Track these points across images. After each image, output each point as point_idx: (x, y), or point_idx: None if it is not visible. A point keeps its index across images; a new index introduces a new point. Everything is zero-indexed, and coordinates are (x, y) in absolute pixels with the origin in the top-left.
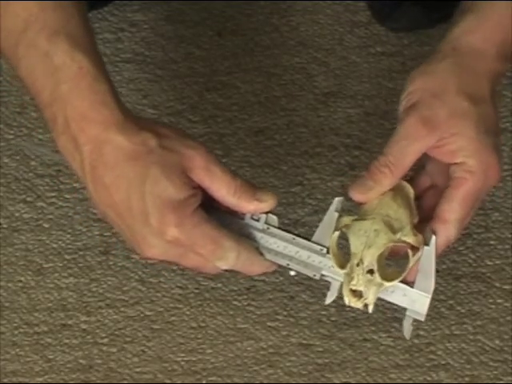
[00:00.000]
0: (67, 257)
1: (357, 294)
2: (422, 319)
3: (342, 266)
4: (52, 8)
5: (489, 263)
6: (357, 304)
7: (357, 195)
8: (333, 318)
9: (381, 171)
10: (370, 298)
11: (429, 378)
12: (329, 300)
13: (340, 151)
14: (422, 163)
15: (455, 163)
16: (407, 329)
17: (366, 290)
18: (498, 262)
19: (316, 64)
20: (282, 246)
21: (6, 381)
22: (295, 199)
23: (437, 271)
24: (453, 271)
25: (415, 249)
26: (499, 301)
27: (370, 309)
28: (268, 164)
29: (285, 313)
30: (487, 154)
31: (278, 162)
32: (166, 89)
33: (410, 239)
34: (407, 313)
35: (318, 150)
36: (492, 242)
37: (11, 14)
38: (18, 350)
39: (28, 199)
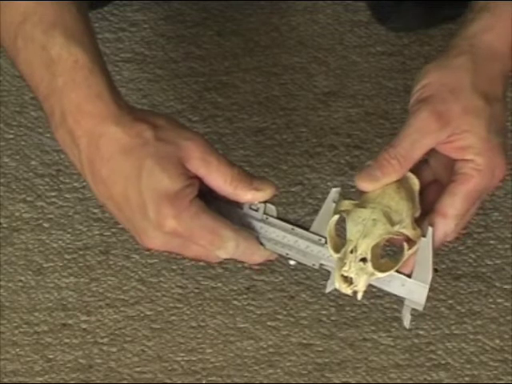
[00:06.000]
0: (67, 256)
1: (347, 280)
2: (421, 309)
3: (337, 250)
4: (49, 1)
5: (489, 263)
6: (346, 290)
7: (363, 184)
8: (333, 318)
9: (390, 163)
10: (360, 286)
11: (429, 378)
12: (329, 289)
13: (340, 151)
14: (425, 157)
15: (463, 160)
16: (406, 318)
17: (357, 278)
18: (498, 262)
19: (316, 64)
20: (281, 236)
21: (6, 380)
22: (295, 199)
23: (436, 271)
24: (453, 271)
25: (412, 242)
26: (499, 300)
27: (359, 296)
28: (268, 164)
29: (285, 312)
30: (496, 153)
31: (277, 161)
32: (165, 88)
33: (409, 232)
34: (406, 303)
35: (318, 149)
36: (492, 242)
37: (10, 7)
38: (18, 349)
39: (28, 199)
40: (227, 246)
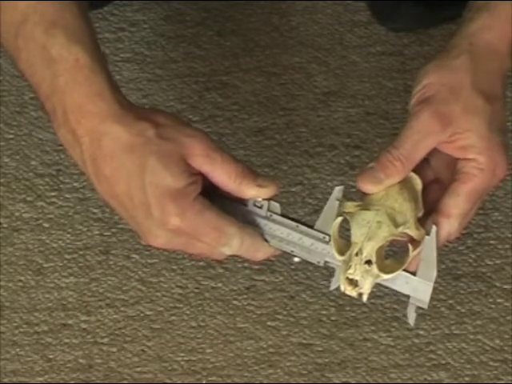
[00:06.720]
0: (67, 256)
1: (353, 283)
2: (425, 307)
3: (342, 253)
4: (50, 0)
5: (489, 263)
6: (352, 292)
7: (366, 187)
8: (333, 318)
9: (393, 164)
10: (366, 288)
11: (429, 378)
12: (333, 286)
13: (340, 151)
14: (426, 157)
15: (465, 159)
16: (411, 316)
17: (362, 280)
18: (498, 262)
19: (316, 64)
20: (285, 233)
21: (6, 380)
22: (295, 199)
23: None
24: (453, 271)
25: (416, 242)
26: (499, 300)
27: (365, 298)
28: (268, 164)
29: (285, 312)
30: (497, 152)
31: (277, 161)
32: (165, 88)
33: (413, 233)
34: (410, 300)
35: (318, 149)
36: (492, 242)
37: (10, 7)
38: (18, 349)
39: (28, 199)
40: (232, 242)
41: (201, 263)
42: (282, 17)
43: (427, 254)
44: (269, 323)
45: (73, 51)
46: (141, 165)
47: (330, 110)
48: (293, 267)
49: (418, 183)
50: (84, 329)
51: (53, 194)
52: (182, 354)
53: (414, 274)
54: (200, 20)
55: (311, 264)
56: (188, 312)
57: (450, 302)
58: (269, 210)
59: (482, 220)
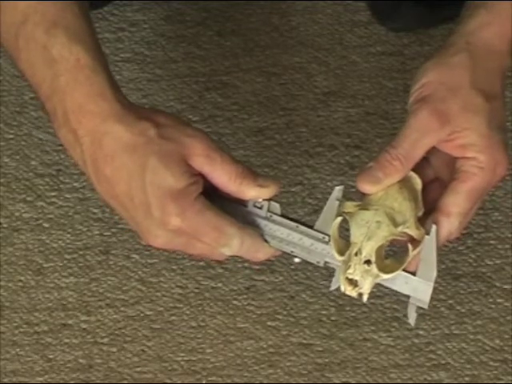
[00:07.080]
0: (67, 256)
1: (353, 283)
2: (426, 307)
3: (341, 253)
4: (50, 0)
5: (489, 263)
6: (352, 292)
7: (365, 187)
8: (333, 318)
9: (392, 164)
10: (365, 288)
11: (429, 378)
12: (333, 286)
13: (340, 151)
14: (425, 156)
15: (465, 157)
16: (412, 316)
17: (362, 280)
18: (498, 262)
19: (316, 64)
20: (285, 234)
21: (6, 380)
22: (295, 199)
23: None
24: (453, 271)
25: (416, 242)
26: (499, 300)
27: (365, 298)
28: (268, 164)
29: (285, 312)
30: (497, 150)
31: (277, 161)
32: (165, 88)
33: (412, 232)
34: (410, 300)
35: (318, 149)
36: (492, 242)
37: (10, 7)
38: (18, 349)
39: (28, 199)
40: (232, 243)
41: (201, 263)
42: (282, 17)
43: (427, 253)
44: (269, 323)
45: (74, 51)
46: (142, 165)
47: (330, 110)
48: (293, 267)
49: (417, 182)
50: (84, 329)
51: (53, 194)
52: (182, 354)
53: (413, 273)
54: (200, 20)
55: (311, 264)
56: (188, 312)
57: (450, 301)
58: (269, 210)
59: (482, 220)
